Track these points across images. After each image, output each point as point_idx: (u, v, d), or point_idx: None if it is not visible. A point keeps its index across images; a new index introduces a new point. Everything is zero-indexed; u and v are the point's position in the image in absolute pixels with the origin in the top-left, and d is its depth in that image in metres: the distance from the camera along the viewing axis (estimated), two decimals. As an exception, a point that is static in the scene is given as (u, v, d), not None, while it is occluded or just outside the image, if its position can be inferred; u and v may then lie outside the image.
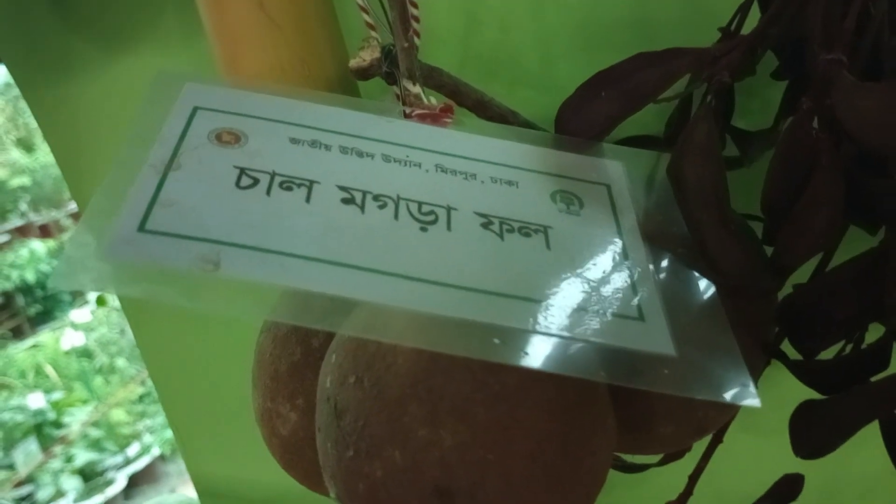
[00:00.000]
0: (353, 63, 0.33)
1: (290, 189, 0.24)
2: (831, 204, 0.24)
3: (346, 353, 0.24)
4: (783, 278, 0.26)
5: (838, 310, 0.26)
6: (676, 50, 0.29)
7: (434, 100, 0.31)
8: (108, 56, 0.45)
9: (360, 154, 0.26)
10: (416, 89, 0.30)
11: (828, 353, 0.28)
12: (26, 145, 3.55)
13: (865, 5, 0.26)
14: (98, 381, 2.76)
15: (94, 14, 0.44)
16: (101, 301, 2.92)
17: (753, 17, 0.32)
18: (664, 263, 0.27)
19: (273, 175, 0.24)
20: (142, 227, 0.22)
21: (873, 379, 0.26)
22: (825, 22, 0.26)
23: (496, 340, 0.22)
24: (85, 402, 2.67)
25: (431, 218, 0.25)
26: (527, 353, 0.22)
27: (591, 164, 0.29)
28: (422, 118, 0.29)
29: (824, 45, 0.25)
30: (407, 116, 0.30)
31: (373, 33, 0.34)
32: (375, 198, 0.25)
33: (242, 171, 0.24)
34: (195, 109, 0.26)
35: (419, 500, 0.22)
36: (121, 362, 2.81)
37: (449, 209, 0.25)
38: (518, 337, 0.22)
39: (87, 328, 2.91)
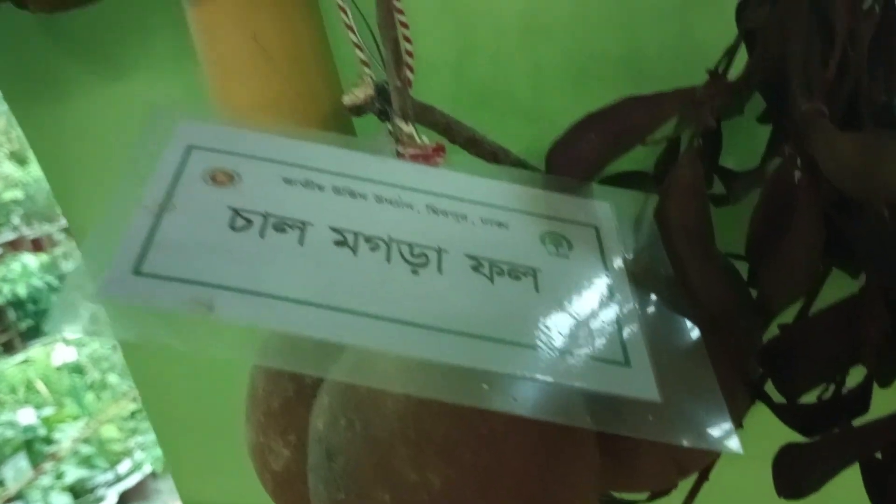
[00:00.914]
0: (347, 100, 0.33)
1: (283, 231, 0.25)
2: (812, 250, 0.25)
3: (337, 395, 0.24)
4: (768, 319, 0.27)
5: (820, 353, 0.26)
6: (664, 94, 0.29)
7: (426, 138, 0.31)
8: (100, 80, 0.45)
9: (353, 194, 0.27)
10: (409, 129, 0.30)
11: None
12: (19, 158, 3.54)
13: (845, 54, 0.26)
14: (89, 397, 2.75)
15: (86, 38, 0.45)
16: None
17: (741, 57, 0.33)
18: (650, 306, 0.27)
19: (266, 216, 0.25)
20: (136, 270, 0.22)
21: (855, 422, 0.26)
22: (805, 71, 0.27)
23: (485, 386, 0.22)
24: (76, 418, 2.65)
25: (422, 260, 0.25)
26: (515, 399, 0.22)
27: (580, 206, 0.29)
28: (414, 158, 0.30)
29: (804, 93, 0.26)
30: (399, 156, 0.30)
31: (366, 70, 0.34)
32: (368, 239, 0.25)
33: (236, 212, 0.25)
34: (190, 148, 0.27)
35: (408, 542, 0.22)
36: (113, 378, 2.80)
37: (440, 251, 0.25)
38: (506, 382, 0.22)
39: (79, 344, 2.89)
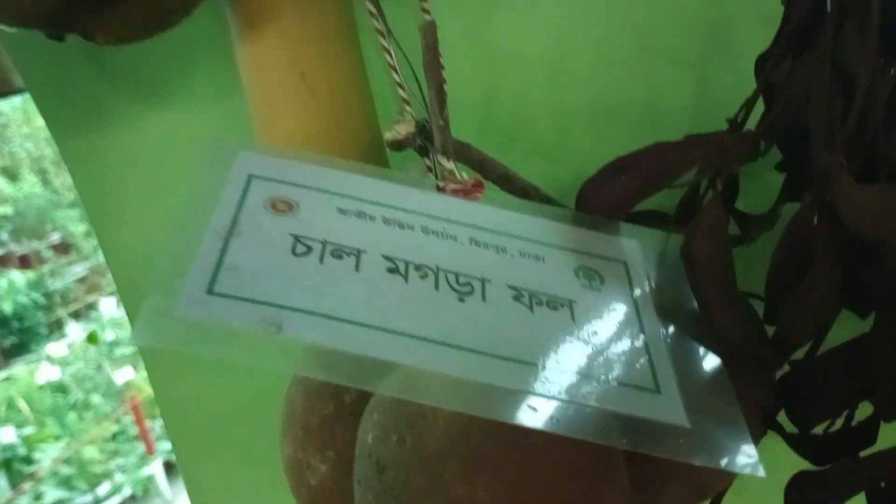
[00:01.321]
0: (389, 136, 0.35)
1: (340, 257, 0.26)
2: (829, 293, 0.27)
3: (388, 412, 0.26)
4: (786, 356, 0.29)
5: (832, 388, 0.28)
6: (689, 140, 0.31)
7: (465, 174, 0.33)
8: (141, 109, 0.47)
9: (402, 226, 0.29)
10: (450, 165, 0.32)
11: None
12: (10, 174, 3.55)
13: (864, 110, 0.28)
14: (71, 416, 2.73)
15: (129, 67, 0.46)
16: (92, 338, 2.90)
17: (758, 106, 0.35)
18: (675, 336, 0.29)
19: (325, 243, 0.27)
20: (210, 290, 0.24)
21: (862, 453, 0.28)
22: (827, 124, 0.29)
23: (530, 407, 0.24)
24: (57, 438, 2.64)
25: (468, 289, 0.27)
26: (556, 420, 0.24)
27: (610, 242, 0.31)
28: (455, 192, 0.32)
29: (825, 146, 0.28)
30: (440, 189, 0.32)
31: (407, 108, 0.36)
32: (417, 268, 0.27)
33: (297, 238, 0.26)
34: (250, 178, 0.28)
35: (455, 551, 0.24)
36: (96, 398, 2.79)
37: (483, 281, 0.27)
38: (549, 404, 0.24)
39: (64, 362, 2.88)
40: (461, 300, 0.26)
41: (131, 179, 0.47)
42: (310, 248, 0.26)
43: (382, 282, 0.26)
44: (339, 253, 0.26)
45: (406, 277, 0.26)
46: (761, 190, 0.40)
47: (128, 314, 0.50)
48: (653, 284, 0.30)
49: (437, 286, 0.27)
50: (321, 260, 0.26)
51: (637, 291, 0.29)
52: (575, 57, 0.43)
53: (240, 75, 0.39)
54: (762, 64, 0.35)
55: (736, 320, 0.28)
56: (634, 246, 0.31)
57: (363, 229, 0.28)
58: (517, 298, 0.27)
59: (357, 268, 0.26)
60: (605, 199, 0.32)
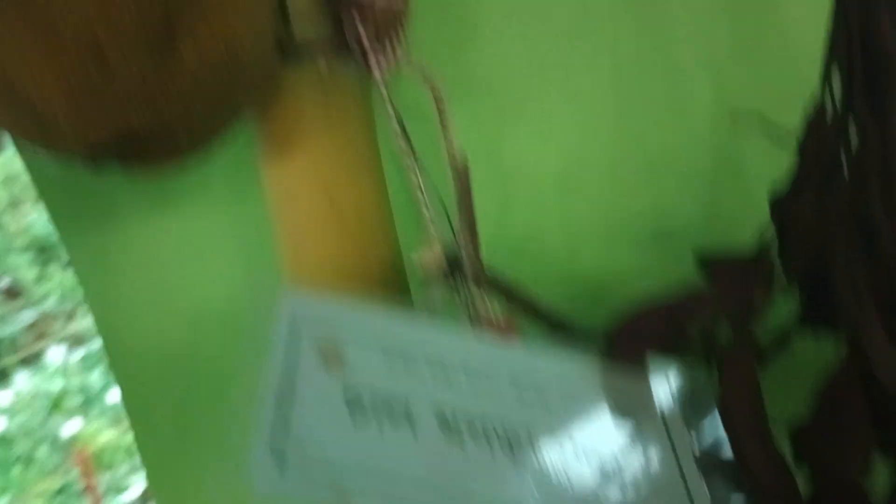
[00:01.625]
0: (418, 263, 0.36)
1: (396, 422, 0.27)
2: (866, 449, 0.28)
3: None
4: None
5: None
6: (719, 291, 0.32)
7: (498, 305, 0.34)
8: (153, 210, 0.46)
9: (446, 371, 0.29)
10: (486, 306, 0.33)
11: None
12: (-41, 215, 3.46)
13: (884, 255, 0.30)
14: (16, 470, 2.64)
15: (141, 166, 0.46)
16: (56, 405, 2.82)
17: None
18: (709, 479, 0.30)
19: (375, 396, 0.27)
20: (280, 466, 0.24)
21: None
22: (849, 271, 0.30)
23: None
24: (1, 492, 2.54)
25: (517, 443, 0.27)
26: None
27: (643, 387, 0.32)
28: (489, 329, 0.32)
29: (853, 295, 0.29)
30: (475, 324, 0.32)
31: (432, 233, 0.37)
32: (468, 422, 0.27)
33: (351, 398, 0.27)
34: (297, 327, 0.29)
35: None
36: (42, 451, 2.70)
37: (530, 433, 0.28)
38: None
39: (10, 412, 2.79)
40: (513, 461, 0.27)
41: (139, 277, 0.46)
42: (366, 414, 0.27)
43: (441, 450, 0.27)
44: (390, 409, 0.27)
45: (462, 444, 0.27)
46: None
47: (129, 414, 0.49)
48: (687, 423, 0.31)
49: (491, 451, 0.27)
50: (380, 429, 0.26)
51: (675, 438, 0.30)
52: (585, 174, 0.45)
53: (254, 177, 0.38)
54: (778, 200, 0.36)
55: (772, 476, 0.29)
56: (667, 390, 0.32)
57: (410, 379, 0.28)
58: (562, 449, 0.28)
59: (415, 436, 0.27)
60: (636, 345, 0.32)
